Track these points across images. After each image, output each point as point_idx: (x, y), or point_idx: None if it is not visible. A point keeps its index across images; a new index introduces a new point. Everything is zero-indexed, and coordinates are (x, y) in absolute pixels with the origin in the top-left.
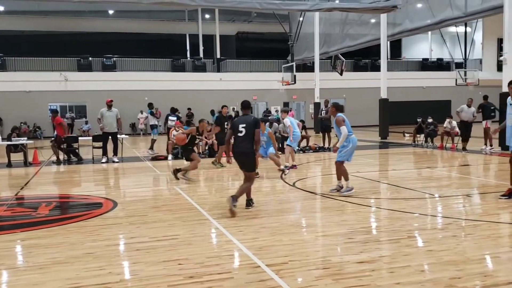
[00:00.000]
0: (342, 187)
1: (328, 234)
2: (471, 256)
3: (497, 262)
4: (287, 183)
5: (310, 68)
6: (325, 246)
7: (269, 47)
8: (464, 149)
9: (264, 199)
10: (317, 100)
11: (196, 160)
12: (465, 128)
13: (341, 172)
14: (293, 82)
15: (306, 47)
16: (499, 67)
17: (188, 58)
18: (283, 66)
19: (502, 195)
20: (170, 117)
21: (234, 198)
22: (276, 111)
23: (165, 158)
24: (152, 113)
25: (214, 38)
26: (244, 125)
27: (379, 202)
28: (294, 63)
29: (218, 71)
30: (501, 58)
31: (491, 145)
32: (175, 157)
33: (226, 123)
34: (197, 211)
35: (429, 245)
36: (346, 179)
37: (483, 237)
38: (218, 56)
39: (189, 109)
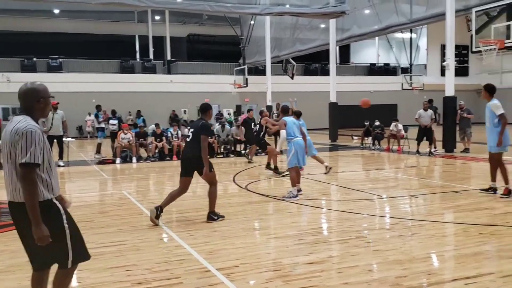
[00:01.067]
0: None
1: (279, 236)
2: (416, 255)
3: (441, 260)
4: (239, 186)
5: (262, 71)
6: (276, 248)
7: (221, 49)
8: (430, 152)
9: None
10: (269, 103)
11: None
12: (424, 132)
13: (291, 178)
14: (245, 85)
15: (257, 51)
16: (443, 72)
17: (138, 60)
18: (235, 69)
19: (502, 194)
20: (111, 121)
21: (212, 214)
22: (229, 113)
23: (113, 161)
24: (96, 115)
25: (165, 40)
26: (192, 130)
27: (328, 203)
28: (246, 66)
29: (169, 73)
30: (444, 63)
31: (435, 147)
32: (124, 160)
33: (252, 123)
34: (146, 216)
35: (376, 245)
36: (292, 185)
37: (428, 237)
38: (169, 58)
39: (138, 111)
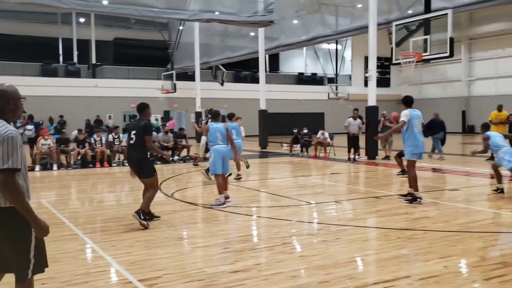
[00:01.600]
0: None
1: (205, 245)
2: (339, 260)
3: (362, 264)
4: (166, 194)
5: (191, 77)
6: (202, 258)
7: (149, 54)
8: (354, 160)
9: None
10: (198, 110)
11: None
12: (353, 141)
13: (217, 185)
14: (173, 91)
15: (186, 56)
16: (366, 83)
17: (61, 63)
18: (163, 74)
19: (402, 195)
20: (27, 126)
21: (140, 212)
22: (156, 119)
23: (32, 169)
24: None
25: (90, 43)
26: (134, 132)
27: (256, 210)
28: (174, 72)
29: (94, 77)
30: (366, 74)
31: (358, 154)
32: (43, 168)
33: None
34: (66, 226)
35: (302, 250)
36: (219, 192)
37: (350, 241)
38: (94, 61)
39: (61, 116)
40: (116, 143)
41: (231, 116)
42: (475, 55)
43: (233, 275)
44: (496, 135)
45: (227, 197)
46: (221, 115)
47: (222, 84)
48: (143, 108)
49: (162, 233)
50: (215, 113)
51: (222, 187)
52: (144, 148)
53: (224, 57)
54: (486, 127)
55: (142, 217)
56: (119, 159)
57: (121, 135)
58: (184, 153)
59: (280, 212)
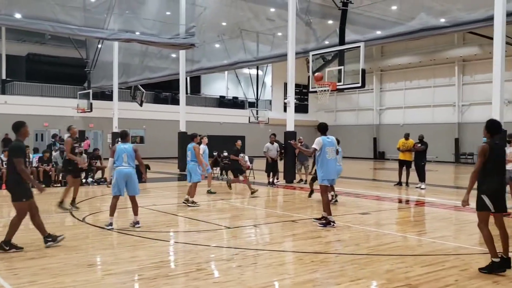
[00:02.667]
0: (137, 223)
1: (116, 272)
2: (254, 285)
3: None
4: (76, 218)
5: (109, 97)
6: (112, 286)
7: (64, 71)
8: (273, 183)
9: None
10: (115, 130)
11: None
12: (272, 165)
13: (110, 206)
14: (89, 110)
15: (104, 75)
16: (285, 108)
17: None
18: (79, 92)
19: (316, 219)
20: None
21: (4, 244)
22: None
23: None
24: None
25: (0, 58)
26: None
27: (172, 235)
28: (91, 90)
29: (4, 93)
30: (285, 100)
31: (277, 178)
32: None
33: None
34: None
35: (217, 276)
36: (110, 214)
37: (266, 266)
38: (4, 77)
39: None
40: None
41: (193, 137)
42: (385, 85)
43: None
44: None
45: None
46: (129, 135)
47: (141, 105)
48: (18, 126)
49: (70, 259)
50: (123, 133)
51: (113, 210)
52: (13, 171)
53: (144, 78)
54: None
55: (7, 248)
56: None
57: (31, 155)
58: (98, 174)
59: (197, 237)
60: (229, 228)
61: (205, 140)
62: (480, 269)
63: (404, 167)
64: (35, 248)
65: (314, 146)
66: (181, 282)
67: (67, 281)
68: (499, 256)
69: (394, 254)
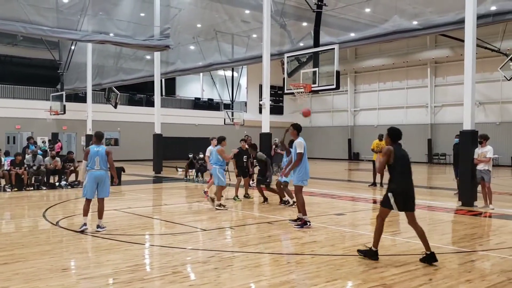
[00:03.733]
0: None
1: (91, 276)
2: (229, 287)
3: None
4: (50, 222)
5: (83, 99)
6: None
7: (37, 73)
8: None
9: (20, 241)
10: (89, 132)
11: None
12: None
13: (83, 208)
14: (62, 112)
15: (78, 77)
16: (260, 110)
17: None
18: (51, 94)
19: (292, 221)
20: None
21: None
22: (43, 142)
23: None
24: None
25: None
26: None
27: (148, 238)
28: (64, 92)
29: None
30: (260, 102)
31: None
32: None
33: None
34: None
35: (192, 279)
36: (84, 215)
37: (242, 268)
38: None
39: None
40: None
41: (220, 140)
42: (359, 87)
43: None
44: None
45: (85, 224)
46: (103, 137)
47: (115, 107)
48: None
49: (44, 264)
50: (98, 135)
51: (84, 211)
52: None
53: (118, 79)
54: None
55: None
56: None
57: (2, 158)
58: (72, 177)
59: (172, 240)
60: (205, 230)
61: (214, 142)
62: (359, 251)
63: None
64: (8, 252)
65: (299, 150)
66: (157, 286)
67: (41, 286)
68: (426, 253)
69: None
